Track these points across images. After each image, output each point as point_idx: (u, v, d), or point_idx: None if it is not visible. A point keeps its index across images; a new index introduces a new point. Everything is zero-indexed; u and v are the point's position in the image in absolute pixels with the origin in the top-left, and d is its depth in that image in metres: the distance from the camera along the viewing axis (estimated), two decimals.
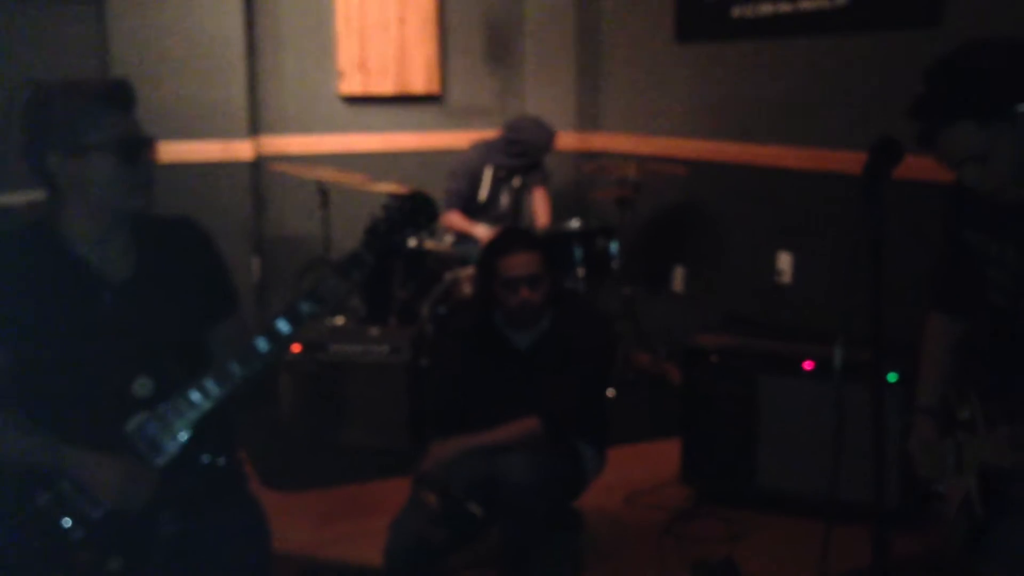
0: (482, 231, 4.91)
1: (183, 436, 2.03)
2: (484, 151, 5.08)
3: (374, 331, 4.33)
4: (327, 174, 4.82)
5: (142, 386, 2.04)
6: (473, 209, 5.08)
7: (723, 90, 4.84)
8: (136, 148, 2.08)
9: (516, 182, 5.12)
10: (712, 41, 4.90)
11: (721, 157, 4.84)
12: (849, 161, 4.05)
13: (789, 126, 4.45)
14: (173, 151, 4.98)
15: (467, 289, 4.53)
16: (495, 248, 3.10)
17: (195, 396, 2.03)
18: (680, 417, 3.72)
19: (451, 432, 3.02)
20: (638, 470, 3.89)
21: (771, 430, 3.53)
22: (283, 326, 2.06)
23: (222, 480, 2.18)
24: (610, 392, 4.71)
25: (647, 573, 3.19)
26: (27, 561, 1.99)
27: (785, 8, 4.38)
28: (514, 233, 3.27)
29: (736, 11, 4.67)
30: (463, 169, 5.08)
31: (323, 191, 4.86)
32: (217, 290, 2.27)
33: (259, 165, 5.34)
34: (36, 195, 3.85)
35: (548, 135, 5.01)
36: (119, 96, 2.09)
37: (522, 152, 5.00)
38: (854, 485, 2.56)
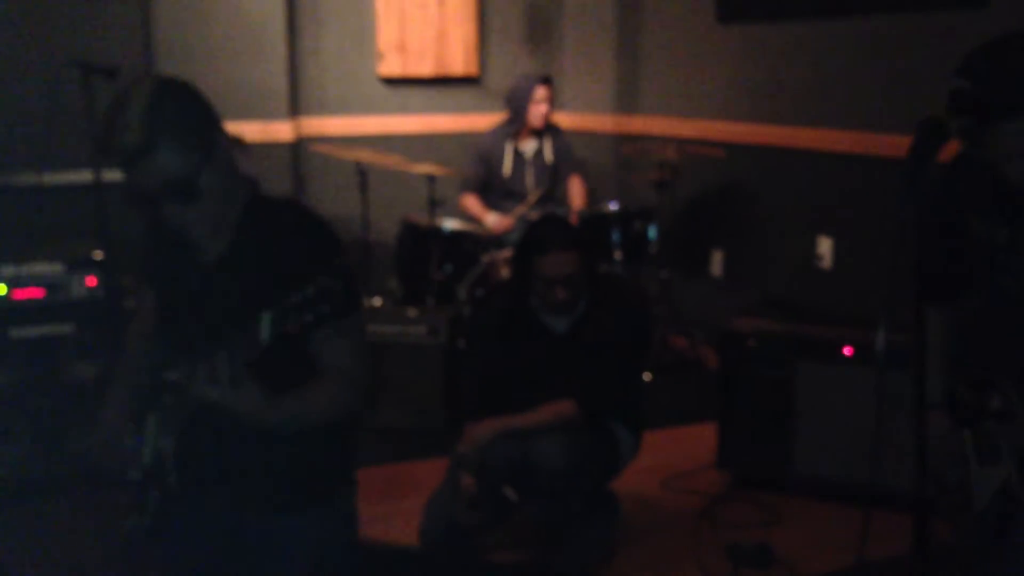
0: (492, 219, 4.94)
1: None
2: (501, 130, 5.13)
3: (411, 312, 4.34)
4: (366, 155, 4.83)
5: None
6: (497, 188, 5.10)
7: (763, 72, 4.79)
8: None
9: (528, 148, 5.13)
10: (753, 22, 4.85)
11: (761, 140, 4.80)
12: (891, 144, 3.99)
13: (830, 109, 4.39)
14: None
15: (504, 271, 4.54)
16: (533, 243, 3.06)
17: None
18: (717, 402, 3.70)
19: (487, 414, 3.02)
20: (674, 454, 3.88)
21: (808, 416, 3.51)
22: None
23: None
24: (646, 376, 4.70)
25: (682, 557, 3.19)
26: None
27: None
28: (553, 227, 3.11)
29: None
30: (478, 151, 5.14)
31: (362, 172, 4.88)
32: (318, 290, 1.89)
33: (299, 146, 5.37)
34: (82, 175, 3.89)
35: (525, 81, 5.05)
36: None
37: (511, 112, 5.07)
38: (893, 472, 2.54)
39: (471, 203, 5.11)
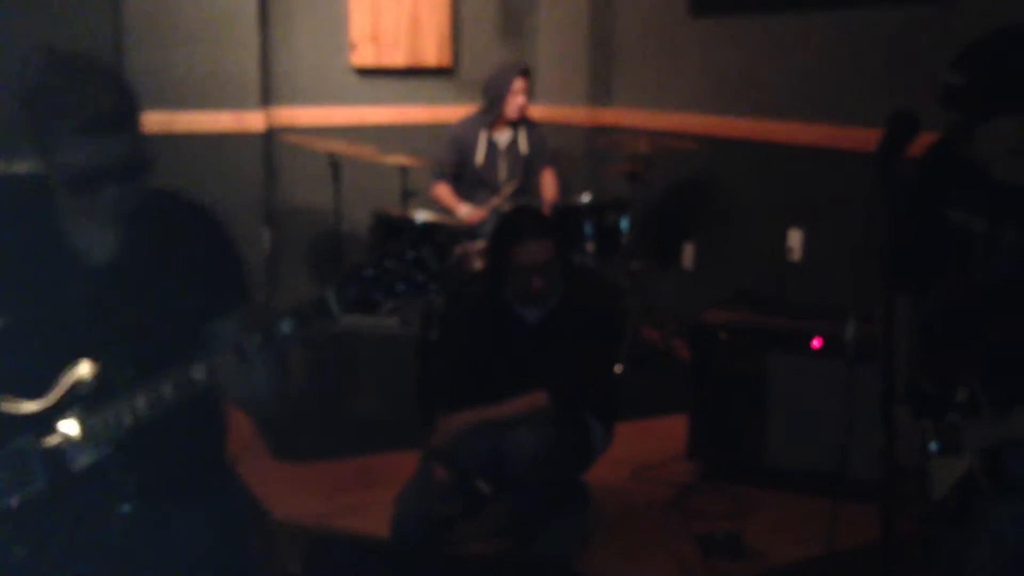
0: (465, 210, 4.94)
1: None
2: (476, 119, 5.11)
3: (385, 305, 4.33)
4: (338, 146, 4.81)
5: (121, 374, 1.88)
6: (469, 178, 5.09)
7: (736, 65, 4.82)
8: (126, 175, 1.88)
9: (502, 139, 5.12)
10: (726, 15, 4.87)
11: (733, 133, 4.82)
12: (861, 138, 4.02)
13: (802, 102, 4.42)
14: (184, 121, 4.98)
15: (477, 263, 4.53)
16: (507, 232, 3.06)
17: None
18: (688, 393, 3.72)
19: (460, 405, 3.02)
20: (645, 445, 3.90)
21: (779, 407, 3.54)
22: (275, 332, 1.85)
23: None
24: (618, 368, 4.71)
25: (653, 547, 3.21)
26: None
27: None
28: (527, 217, 3.14)
29: None
30: (451, 137, 5.11)
31: (334, 163, 4.86)
32: (219, 279, 2.03)
33: (270, 136, 5.34)
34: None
35: (504, 71, 5.04)
36: (122, 118, 1.87)
37: (488, 101, 5.05)
38: (863, 463, 2.56)
39: (443, 193, 5.09)
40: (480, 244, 4.57)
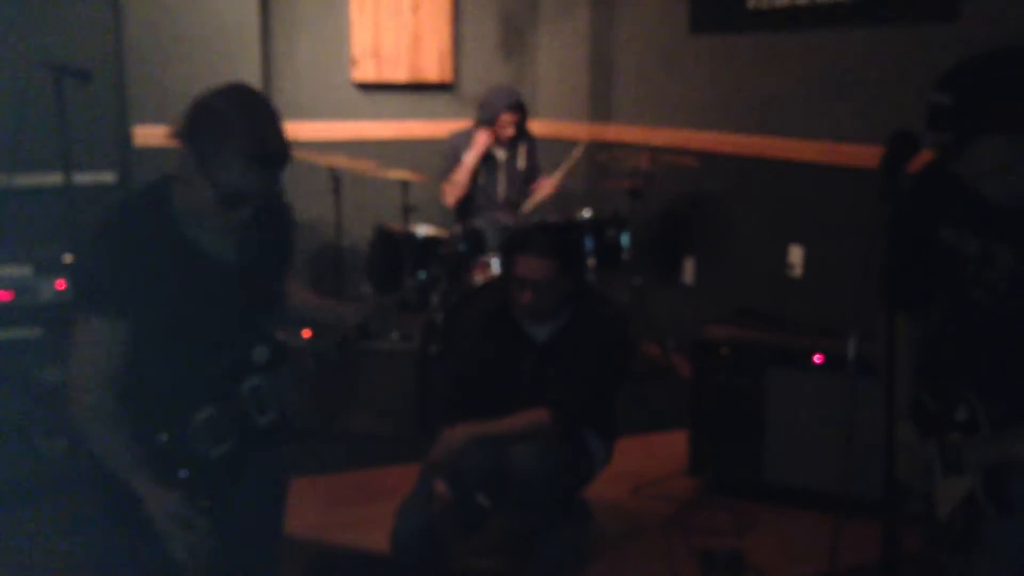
0: (482, 136, 5.00)
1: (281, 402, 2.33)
2: (470, 135, 5.10)
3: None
4: (339, 161, 4.82)
5: (260, 353, 2.30)
6: (474, 196, 5.09)
7: (736, 82, 4.83)
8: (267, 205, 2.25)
9: (501, 155, 5.12)
10: (726, 33, 4.88)
11: (733, 149, 4.83)
12: (862, 155, 4.03)
13: (802, 119, 4.43)
14: None
15: (479, 277, 4.54)
16: (515, 241, 3.07)
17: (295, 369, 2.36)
18: (689, 408, 3.72)
19: (461, 418, 3.01)
20: (645, 461, 3.89)
21: (780, 423, 3.53)
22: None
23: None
24: None
25: (654, 564, 3.19)
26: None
27: (801, 1, 4.36)
28: (536, 231, 3.13)
29: (752, 3, 4.65)
30: (452, 149, 5.10)
31: (335, 178, 4.86)
32: (290, 252, 2.48)
33: None
34: (52, 177, 3.88)
35: (495, 100, 5.03)
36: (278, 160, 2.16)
37: (480, 121, 5.05)
38: (865, 480, 2.55)
39: (456, 170, 5.07)
40: (481, 259, 4.58)
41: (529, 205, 5.04)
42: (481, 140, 5.00)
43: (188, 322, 2.19)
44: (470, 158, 4.97)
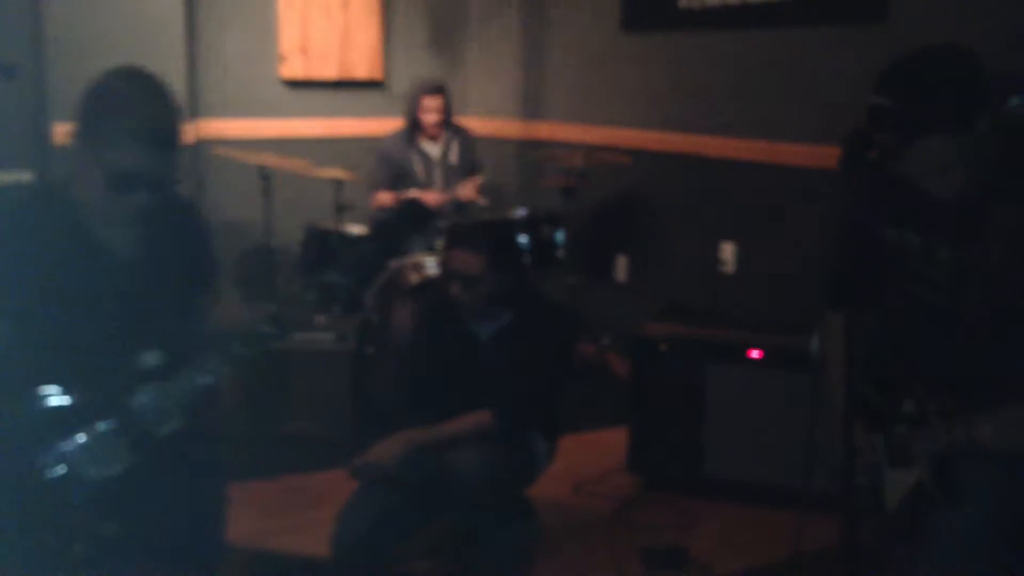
0: (432, 196, 4.95)
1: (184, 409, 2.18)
2: (404, 134, 5.08)
3: (319, 319, 4.27)
4: (269, 159, 4.73)
5: (150, 359, 2.17)
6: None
7: (669, 80, 4.86)
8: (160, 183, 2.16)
9: (433, 151, 5.10)
10: (658, 31, 4.91)
11: (666, 147, 4.86)
12: (792, 153, 4.09)
13: (734, 117, 4.48)
14: None
15: (412, 278, 4.49)
16: (450, 235, 3.08)
17: (199, 373, 2.19)
18: (628, 405, 3.73)
19: (402, 420, 2.97)
20: (585, 459, 3.89)
21: (718, 418, 3.56)
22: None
23: None
24: None
25: (597, 561, 3.19)
26: (26, 522, 2.06)
27: (733, 0, 4.41)
28: (463, 228, 3.18)
29: (683, 2, 4.69)
30: (382, 156, 5.08)
31: (265, 176, 4.77)
32: (202, 252, 2.39)
33: (199, 149, 5.22)
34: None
35: (415, 89, 5.05)
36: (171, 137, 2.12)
37: (406, 115, 5.05)
38: (809, 473, 2.57)
39: (388, 197, 5.03)
40: (413, 259, 4.54)
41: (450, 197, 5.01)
42: (380, 200, 5.03)
43: (76, 320, 2.11)
44: (430, 198, 4.95)
